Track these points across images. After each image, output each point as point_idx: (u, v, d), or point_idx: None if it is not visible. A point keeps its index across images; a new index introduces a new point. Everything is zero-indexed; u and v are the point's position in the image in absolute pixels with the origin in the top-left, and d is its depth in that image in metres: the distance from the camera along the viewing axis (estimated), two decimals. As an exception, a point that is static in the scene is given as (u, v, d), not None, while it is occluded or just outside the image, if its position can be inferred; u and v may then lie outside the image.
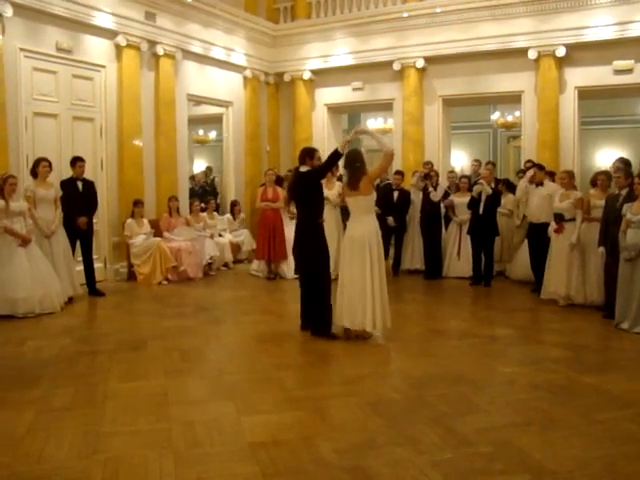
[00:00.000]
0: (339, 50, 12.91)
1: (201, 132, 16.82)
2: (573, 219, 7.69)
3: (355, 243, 6.08)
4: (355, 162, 6.16)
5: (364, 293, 5.97)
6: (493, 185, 9.48)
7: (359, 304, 5.98)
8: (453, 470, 3.34)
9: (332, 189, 9.54)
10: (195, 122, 14.95)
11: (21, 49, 8.68)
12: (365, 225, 6.10)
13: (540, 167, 8.92)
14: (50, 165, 8.13)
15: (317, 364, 5.45)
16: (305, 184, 6.39)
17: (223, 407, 4.32)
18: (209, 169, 15.77)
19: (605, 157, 15.18)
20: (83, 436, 3.82)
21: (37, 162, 8.07)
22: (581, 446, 3.63)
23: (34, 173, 8.05)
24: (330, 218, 9.43)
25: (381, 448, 3.61)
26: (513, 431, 3.83)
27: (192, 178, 14.31)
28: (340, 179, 9.54)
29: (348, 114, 16.79)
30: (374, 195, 6.26)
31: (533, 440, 3.70)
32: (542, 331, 6.94)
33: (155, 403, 4.41)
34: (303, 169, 6.40)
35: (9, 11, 8.34)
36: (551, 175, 9.23)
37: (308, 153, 6.52)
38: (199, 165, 17.25)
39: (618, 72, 10.74)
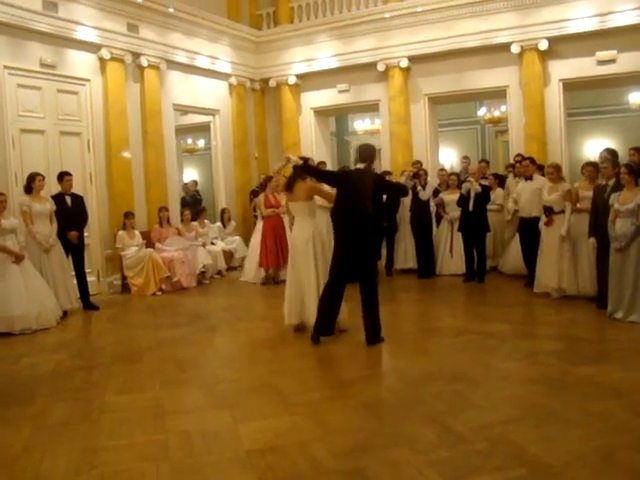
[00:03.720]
0: (323, 53, 12.95)
1: (190, 141, 16.80)
2: (562, 211, 7.72)
3: (298, 247, 6.52)
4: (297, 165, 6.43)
5: (309, 291, 6.38)
6: (486, 182, 9.54)
7: (306, 301, 6.42)
8: (450, 468, 3.34)
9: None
10: (183, 131, 14.94)
11: (5, 67, 8.70)
12: (308, 228, 6.53)
13: (532, 161, 8.96)
14: (44, 179, 8.17)
15: (313, 368, 5.45)
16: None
17: (219, 415, 4.31)
18: (194, 182, 15.65)
19: (593, 147, 15.19)
20: (80, 451, 3.81)
21: (32, 177, 8.06)
22: (577, 438, 3.64)
23: (29, 188, 8.04)
24: (322, 219, 9.43)
25: (378, 449, 3.61)
26: (509, 426, 3.84)
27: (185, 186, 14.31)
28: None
29: (335, 117, 16.82)
30: (314, 201, 6.64)
31: (529, 434, 3.71)
32: (536, 324, 6.96)
33: (151, 415, 4.40)
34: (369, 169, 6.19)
35: (-9, 29, 8.37)
36: (540, 168, 9.26)
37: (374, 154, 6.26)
38: (189, 174, 17.23)
39: (601, 63, 10.80)
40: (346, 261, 6.03)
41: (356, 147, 6.36)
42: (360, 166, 6.05)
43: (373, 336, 6.00)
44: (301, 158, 6.52)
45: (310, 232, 6.51)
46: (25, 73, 8.98)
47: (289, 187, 6.58)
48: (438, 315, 7.60)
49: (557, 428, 3.79)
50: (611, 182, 6.97)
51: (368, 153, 6.13)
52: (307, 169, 6.51)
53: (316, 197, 6.94)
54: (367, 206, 6.00)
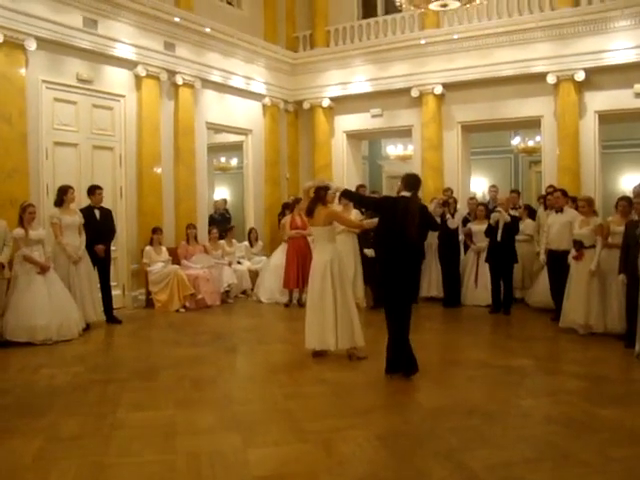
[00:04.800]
0: (358, 77, 13.00)
1: (223, 159, 16.95)
2: (593, 246, 7.55)
3: (317, 271, 6.51)
4: (320, 189, 6.56)
5: (326, 316, 6.38)
6: (516, 212, 9.42)
7: (324, 327, 6.40)
8: (460, 508, 3.24)
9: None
10: (217, 149, 15.08)
11: (43, 81, 8.89)
12: (327, 253, 6.55)
13: (564, 193, 8.79)
14: (74, 192, 8.29)
15: (328, 395, 5.35)
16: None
17: (230, 439, 4.26)
18: (224, 201, 15.67)
19: (629, 181, 14.92)
20: (87, 467, 3.80)
21: (65, 190, 8.17)
22: (596, 484, 3.50)
23: (60, 201, 8.14)
24: (347, 244, 9.43)
25: (386, 484, 3.52)
26: (524, 467, 3.71)
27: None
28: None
29: (369, 141, 16.83)
30: (334, 226, 6.68)
31: (545, 477, 3.58)
32: (560, 361, 6.78)
33: (162, 434, 4.37)
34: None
35: (33, 45, 8.58)
36: (573, 201, 9.07)
37: (419, 183, 6.12)
38: (221, 192, 17.35)
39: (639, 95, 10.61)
40: (392, 291, 5.89)
41: (402, 176, 6.21)
42: (405, 194, 5.97)
43: (394, 366, 5.88)
44: (322, 187, 6.60)
45: (329, 257, 6.50)
46: (62, 87, 9.15)
47: (309, 212, 6.60)
48: (460, 346, 7.46)
49: (575, 472, 3.64)
50: (644, 218, 6.80)
51: (413, 182, 6.01)
52: (349, 195, 6.62)
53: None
54: (412, 234, 5.81)
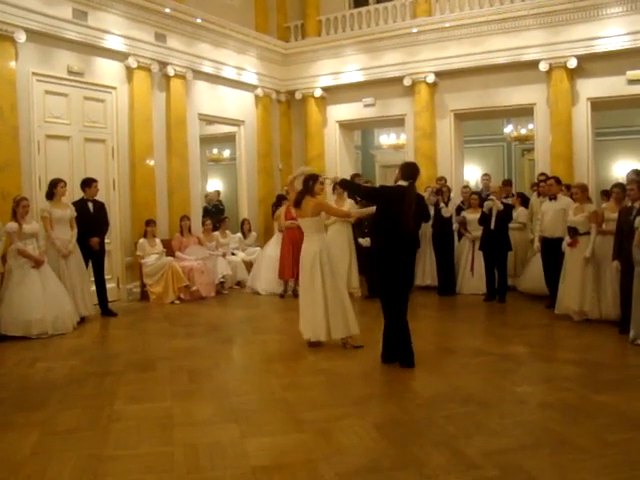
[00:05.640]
0: (350, 67, 12.96)
1: (215, 151, 16.89)
2: (587, 233, 7.57)
3: (306, 262, 6.54)
4: (308, 181, 6.55)
5: (317, 306, 6.39)
6: (509, 200, 9.43)
7: (315, 318, 6.42)
8: (458, 495, 3.25)
9: (343, 207, 9.48)
10: (210, 141, 15.02)
11: (33, 73, 8.82)
12: (315, 243, 6.55)
13: (557, 180, 8.80)
14: (65, 185, 8.23)
15: (325, 385, 5.36)
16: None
17: (227, 429, 4.26)
18: (217, 192, 15.66)
19: (622, 168, 14.95)
20: (85, 459, 3.79)
21: (55, 183, 8.11)
22: (593, 470, 3.50)
23: (51, 194, 8.09)
24: (342, 234, 9.44)
25: (385, 472, 3.53)
26: (522, 453, 3.72)
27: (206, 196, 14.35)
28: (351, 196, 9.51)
29: (362, 130, 16.80)
30: (322, 216, 6.71)
31: (542, 463, 3.59)
32: (555, 348, 6.80)
33: (160, 426, 4.37)
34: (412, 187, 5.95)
35: (22, 37, 8.51)
36: (568, 188, 9.08)
37: (417, 172, 6.01)
38: (214, 184, 17.30)
39: (632, 82, 10.61)
40: (389, 280, 5.84)
41: (400, 165, 6.18)
42: (403, 183, 5.93)
43: (391, 355, 5.89)
44: (311, 175, 6.62)
45: (317, 248, 6.50)
46: (53, 80, 9.08)
47: (297, 203, 6.58)
48: (456, 334, 7.48)
49: (572, 458, 3.66)
50: (637, 204, 6.78)
51: (411, 171, 5.95)
52: (346, 184, 6.60)
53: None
54: (409, 224, 5.80)
